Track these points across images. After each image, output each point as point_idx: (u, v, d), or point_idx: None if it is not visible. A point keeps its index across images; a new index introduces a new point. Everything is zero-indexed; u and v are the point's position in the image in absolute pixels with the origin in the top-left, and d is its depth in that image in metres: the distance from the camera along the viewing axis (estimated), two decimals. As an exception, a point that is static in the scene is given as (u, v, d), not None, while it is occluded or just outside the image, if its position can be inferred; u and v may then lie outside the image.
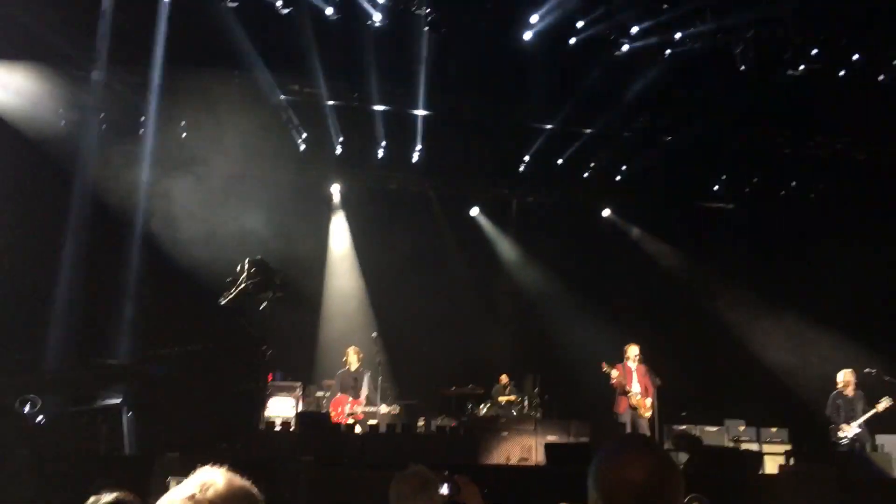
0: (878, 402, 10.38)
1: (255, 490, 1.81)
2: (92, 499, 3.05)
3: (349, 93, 12.91)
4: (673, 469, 1.76)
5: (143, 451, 7.88)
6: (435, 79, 12.25)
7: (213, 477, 1.76)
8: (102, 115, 12.47)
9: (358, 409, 11.16)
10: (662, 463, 1.75)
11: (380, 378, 11.69)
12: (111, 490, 3.08)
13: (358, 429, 10.59)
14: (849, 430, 10.42)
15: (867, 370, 11.02)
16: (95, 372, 8.99)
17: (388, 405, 11.31)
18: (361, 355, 11.69)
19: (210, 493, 1.71)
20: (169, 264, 12.48)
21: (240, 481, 1.79)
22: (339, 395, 11.36)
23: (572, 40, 11.51)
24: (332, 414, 11.09)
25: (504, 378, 13.44)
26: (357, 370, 11.53)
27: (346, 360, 11.65)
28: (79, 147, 12.17)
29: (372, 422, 11.04)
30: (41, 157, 11.70)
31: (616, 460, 1.76)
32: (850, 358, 11.74)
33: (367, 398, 11.27)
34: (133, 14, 11.26)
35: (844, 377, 10.73)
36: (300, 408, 12.29)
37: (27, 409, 7.73)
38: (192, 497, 1.70)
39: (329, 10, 10.76)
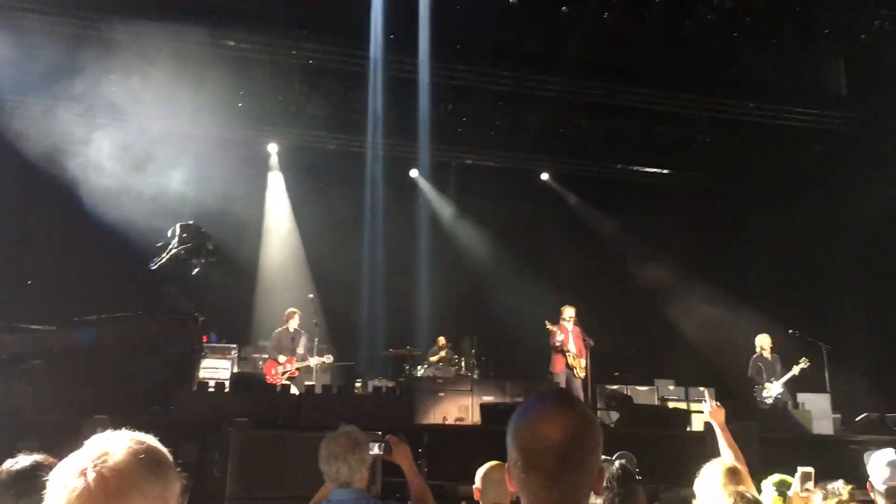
0: (795, 364, 10.91)
1: (163, 452, 1.55)
2: (8, 462, 2.92)
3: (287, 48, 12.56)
4: (591, 424, 1.71)
5: (69, 414, 7.69)
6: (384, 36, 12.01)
7: (109, 445, 1.49)
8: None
9: (290, 366, 11.13)
10: (581, 418, 1.70)
11: (316, 339, 11.65)
12: (30, 453, 2.96)
13: (294, 389, 10.55)
14: (771, 389, 10.90)
15: (791, 331, 11.52)
16: (19, 336, 8.72)
17: (320, 356, 11.40)
18: (299, 315, 11.62)
19: (108, 465, 1.45)
20: (92, 224, 12.09)
21: (145, 446, 1.53)
22: (274, 356, 11.27)
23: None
24: (268, 377, 11.04)
25: (441, 339, 13.54)
26: (295, 331, 11.48)
27: (285, 319, 11.56)
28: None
29: (308, 382, 11.04)
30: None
31: (533, 418, 1.71)
32: (769, 322, 12.21)
33: (300, 356, 11.25)
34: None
35: (761, 341, 11.30)
36: (235, 369, 12.20)
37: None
38: (83, 472, 1.44)
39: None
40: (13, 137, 11.70)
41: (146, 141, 12.62)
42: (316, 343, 11.64)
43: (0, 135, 11.67)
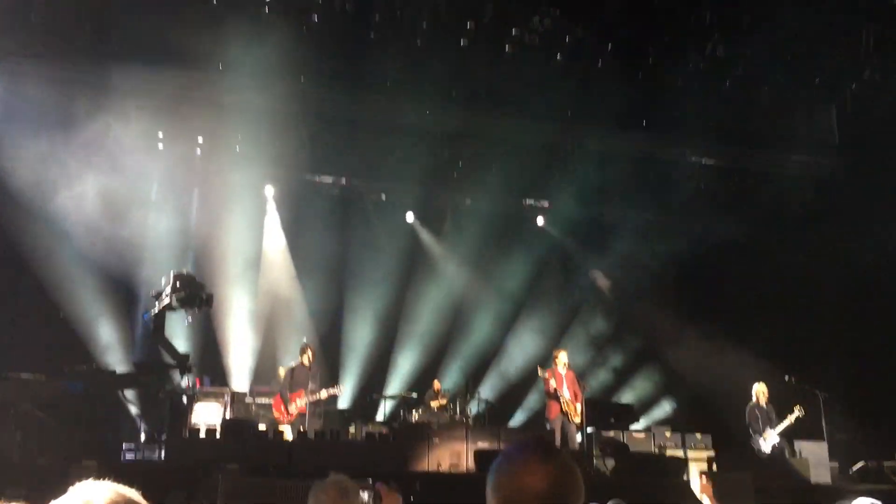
0: (789, 413, 10.90)
1: (140, 501, 1.60)
2: None
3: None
4: (573, 475, 1.69)
5: (57, 459, 7.59)
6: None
7: (92, 495, 1.54)
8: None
9: (300, 401, 10.86)
10: (562, 469, 1.68)
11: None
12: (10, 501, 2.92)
13: (288, 435, 10.42)
14: (769, 438, 10.84)
15: (787, 377, 11.48)
16: (8, 384, 8.63)
17: (328, 388, 11.25)
18: (313, 349, 11.48)
19: None
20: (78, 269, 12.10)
21: (126, 498, 1.57)
22: (284, 393, 11.06)
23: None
24: (276, 414, 10.88)
25: (437, 384, 13.46)
26: (311, 364, 11.21)
27: (301, 353, 11.28)
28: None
29: (301, 428, 10.91)
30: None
31: (513, 468, 1.69)
32: (765, 368, 12.19)
33: (311, 389, 10.96)
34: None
35: (758, 389, 11.26)
36: (227, 415, 12.06)
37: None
38: None
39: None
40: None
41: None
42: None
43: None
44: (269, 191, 14.61)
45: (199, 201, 13.98)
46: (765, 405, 11.15)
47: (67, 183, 12.02)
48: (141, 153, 12.50)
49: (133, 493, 1.60)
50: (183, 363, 9.61)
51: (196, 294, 9.52)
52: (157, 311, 9.35)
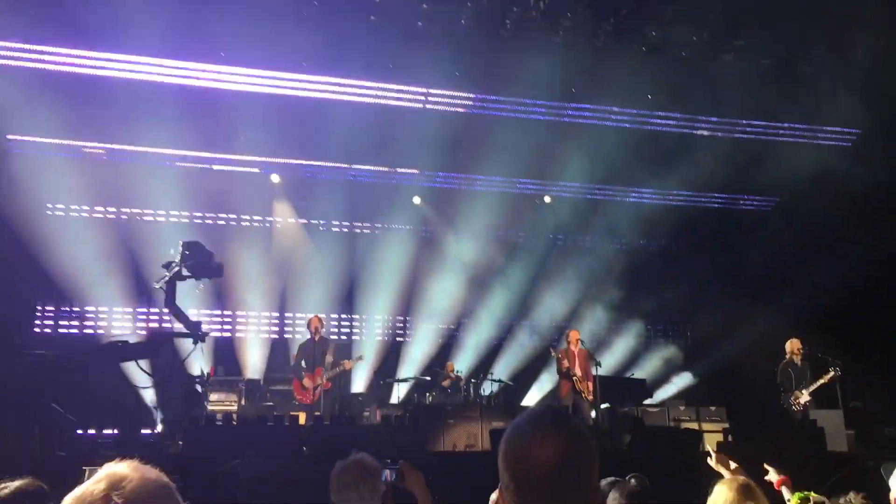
0: (825, 373, 10.69)
1: (168, 481, 1.61)
2: None
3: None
4: (585, 442, 1.63)
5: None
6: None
7: (123, 472, 1.55)
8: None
9: (321, 378, 10.77)
10: (574, 437, 1.62)
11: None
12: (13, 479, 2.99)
13: (302, 419, 10.45)
14: (802, 397, 10.70)
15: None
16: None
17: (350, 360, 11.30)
18: (323, 321, 11.32)
19: (127, 491, 1.50)
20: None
21: (154, 474, 1.59)
22: (299, 373, 10.97)
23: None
24: (297, 396, 10.87)
25: (450, 365, 13.50)
26: (321, 339, 11.06)
27: (310, 327, 11.08)
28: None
29: (317, 413, 10.93)
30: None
31: (524, 439, 1.64)
32: (780, 337, 12.11)
33: (330, 364, 10.86)
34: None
35: (792, 346, 11.01)
36: (243, 402, 12.12)
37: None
38: (108, 497, 1.49)
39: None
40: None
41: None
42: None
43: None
44: (276, 178, 14.57)
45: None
46: (799, 363, 10.92)
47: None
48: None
49: (160, 474, 1.61)
50: (196, 331, 9.59)
51: (206, 262, 9.48)
52: (167, 280, 9.31)
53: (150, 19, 10.41)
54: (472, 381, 13.09)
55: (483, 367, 14.30)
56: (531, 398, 14.84)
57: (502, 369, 14.52)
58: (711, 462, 4.49)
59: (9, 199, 12.13)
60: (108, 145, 13.20)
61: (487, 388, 13.13)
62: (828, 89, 12.20)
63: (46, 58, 11.62)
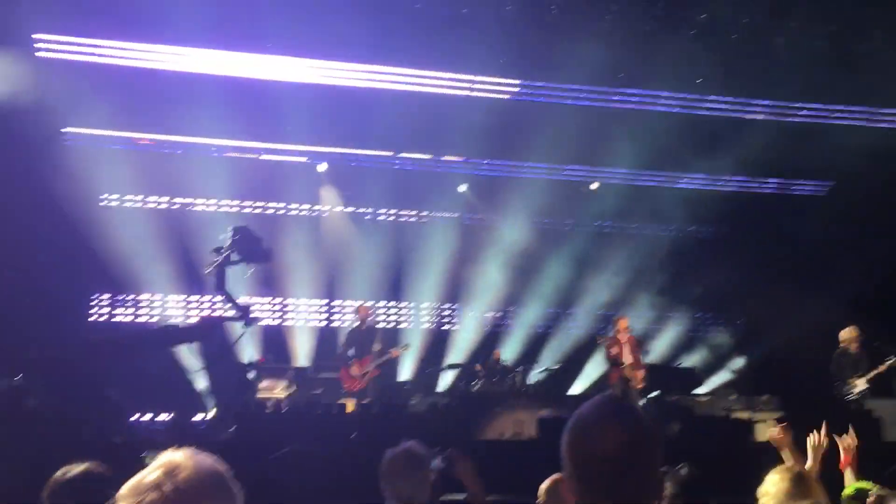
0: (881, 362, 10.36)
1: (221, 469, 1.62)
2: (61, 470, 3.02)
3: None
4: (648, 432, 1.63)
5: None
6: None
7: (178, 460, 1.56)
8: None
9: (369, 365, 10.88)
10: (636, 426, 1.62)
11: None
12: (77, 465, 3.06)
13: (350, 408, 10.54)
14: (858, 386, 10.39)
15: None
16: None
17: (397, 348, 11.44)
18: (373, 310, 11.53)
19: (180, 479, 1.52)
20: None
21: (208, 462, 1.60)
22: (346, 362, 11.11)
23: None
24: (345, 384, 10.97)
25: (497, 353, 13.48)
26: (369, 328, 11.21)
27: (357, 316, 11.27)
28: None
29: (364, 401, 11.01)
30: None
31: (587, 429, 1.64)
32: (833, 324, 11.82)
33: (377, 353, 11.00)
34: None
35: (848, 334, 10.68)
36: (293, 390, 12.25)
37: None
38: (159, 486, 1.50)
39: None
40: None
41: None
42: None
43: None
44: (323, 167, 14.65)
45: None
46: (854, 351, 10.58)
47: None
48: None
49: (214, 462, 1.63)
50: (245, 315, 9.72)
51: (255, 246, 9.59)
52: (217, 265, 9.42)
53: (198, 10, 10.55)
54: (519, 369, 13.05)
55: (530, 355, 14.24)
56: (578, 387, 14.75)
57: (549, 357, 14.47)
58: (774, 433, 4.39)
59: (64, 190, 12.37)
60: (159, 136, 13.40)
61: (534, 377, 13.13)
62: (885, 69, 11.82)
63: (98, 51, 11.84)
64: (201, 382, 12.13)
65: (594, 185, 15.47)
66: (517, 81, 12.90)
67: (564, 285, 14.94)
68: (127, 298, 13.99)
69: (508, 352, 14.17)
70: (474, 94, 12.84)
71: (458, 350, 14.48)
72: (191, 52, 11.96)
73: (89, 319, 13.80)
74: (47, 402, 7.54)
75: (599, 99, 13.30)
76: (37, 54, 11.53)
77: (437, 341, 14.64)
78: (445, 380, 13.66)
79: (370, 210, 15.12)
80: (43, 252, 12.06)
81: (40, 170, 12.12)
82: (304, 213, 14.90)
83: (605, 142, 13.59)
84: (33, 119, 11.54)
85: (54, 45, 11.62)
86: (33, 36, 11.43)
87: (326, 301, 14.76)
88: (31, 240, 11.87)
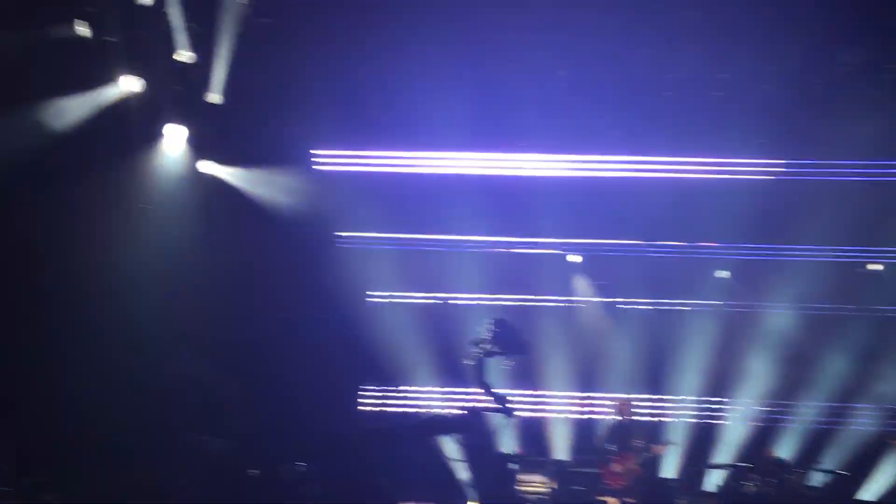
0: None
1: None
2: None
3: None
4: None
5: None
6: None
7: None
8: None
9: (631, 463, 10.72)
10: None
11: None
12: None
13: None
14: None
15: None
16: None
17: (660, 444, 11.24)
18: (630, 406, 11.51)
19: None
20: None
21: None
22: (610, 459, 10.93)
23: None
24: (607, 481, 10.82)
25: (770, 451, 12.47)
26: (630, 422, 11.21)
27: (619, 410, 11.37)
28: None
29: (627, 500, 10.58)
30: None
31: None
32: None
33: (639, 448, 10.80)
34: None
35: None
36: (553, 484, 12.07)
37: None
38: None
39: None
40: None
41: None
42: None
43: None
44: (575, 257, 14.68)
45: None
46: None
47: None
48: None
49: None
50: (504, 405, 9.84)
51: (514, 338, 9.74)
52: (477, 356, 9.67)
53: (453, 116, 11.33)
54: (797, 470, 11.97)
55: (807, 454, 13.02)
56: (869, 492, 13.16)
57: (830, 457, 13.11)
58: None
59: (335, 289, 13.49)
60: (422, 235, 14.27)
61: (815, 478, 11.95)
62: None
63: (366, 161, 13.09)
64: (463, 473, 12.32)
65: (875, 266, 14.12)
66: (780, 161, 12.34)
67: (845, 377, 13.61)
68: (393, 390, 14.74)
69: (783, 450, 13.03)
70: (732, 177, 12.43)
71: (726, 447, 13.59)
72: (448, 155, 12.78)
73: (360, 410, 14.67)
74: (329, 490, 8.03)
75: (874, 173, 12.39)
76: (314, 167, 12.93)
77: (702, 437, 13.84)
78: (712, 478, 12.80)
79: (625, 300, 14.89)
80: (317, 346, 13.12)
81: (315, 271, 13.34)
82: (558, 304, 14.98)
83: (884, 218, 12.49)
84: (310, 225, 12.86)
85: (329, 159, 13.00)
86: (311, 151, 12.86)
87: (584, 394, 14.58)
88: (308, 335, 12.98)
